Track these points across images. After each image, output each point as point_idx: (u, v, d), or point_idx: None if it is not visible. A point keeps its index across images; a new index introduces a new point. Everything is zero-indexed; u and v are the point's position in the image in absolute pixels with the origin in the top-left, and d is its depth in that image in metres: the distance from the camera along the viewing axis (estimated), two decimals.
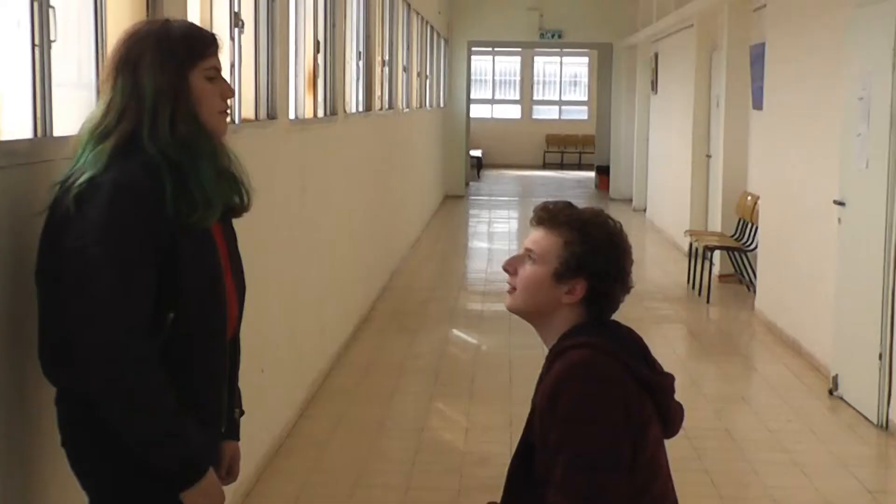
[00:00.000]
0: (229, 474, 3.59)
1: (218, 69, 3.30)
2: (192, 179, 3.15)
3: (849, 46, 8.91)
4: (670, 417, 3.23)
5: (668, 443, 3.30)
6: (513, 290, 3.27)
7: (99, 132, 3.16)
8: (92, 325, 3.00)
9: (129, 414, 3.03)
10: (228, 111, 3.35)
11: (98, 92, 4.42)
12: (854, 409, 8.50)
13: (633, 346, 3.22)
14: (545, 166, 37.47)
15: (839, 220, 8.96)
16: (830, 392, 8.92)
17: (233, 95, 3.35)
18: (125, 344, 3.00)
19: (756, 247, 12.65)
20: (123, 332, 3.00)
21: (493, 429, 7.74)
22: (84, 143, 3.18)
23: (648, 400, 3.12)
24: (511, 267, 3.28)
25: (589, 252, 3.17)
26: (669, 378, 3.26)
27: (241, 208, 3.40)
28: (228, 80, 3.38)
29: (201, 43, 3.27)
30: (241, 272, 3.49)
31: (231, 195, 3.32)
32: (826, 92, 9.78)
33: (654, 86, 21.17)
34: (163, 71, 3.17)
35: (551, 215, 3.24)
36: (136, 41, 3.20)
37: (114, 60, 3.21)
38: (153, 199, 3.07)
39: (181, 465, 3.08)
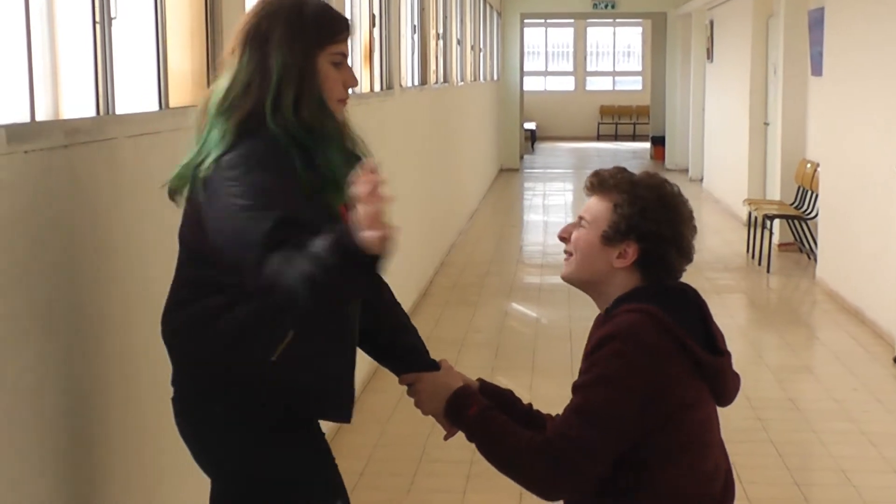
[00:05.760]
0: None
1: (345, 55, 3.22)
2: (319, 162, 3.09)
3: None
4: (726, 394, 3.17)
5: (731, 415, 3.27)
6: (569, 257, 3.22)
7: (224, 107, 3.10)
8: (257, 229, 2.85)
9: (320, 278, 2.75)
10: (347, 100, 3.26)
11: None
12: None
13: (694, 320, 3.12)
14: (599, 138, 37.30)
15: None
16: (895, 360, 8.83)
17: (356, 84, 3.26)
18: (284, 233, 2.83)
19: (816, 215, 12.53)
20: (281, 221, 2.85)
21: (557, 402, 7.64)
22: (211, 118, 3.12)
23: (699, 382, 3.05)
24: (566, 233, 3.23)
25: (637, 213, 3.09)
26: (727, 358, 3.15)
27: None
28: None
29: (333, 26, 3.20)
30: None
31: None
32: (889, 56, 9.63)
33: (709, 54, 20.99)
34: (291, 50, 3.10)
35: (601, 180, 3.17)
36: (266, 15, 3.14)
37: (243, 33, 3.15)
38: (286, 167, 3.02)
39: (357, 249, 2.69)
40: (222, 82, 3.15)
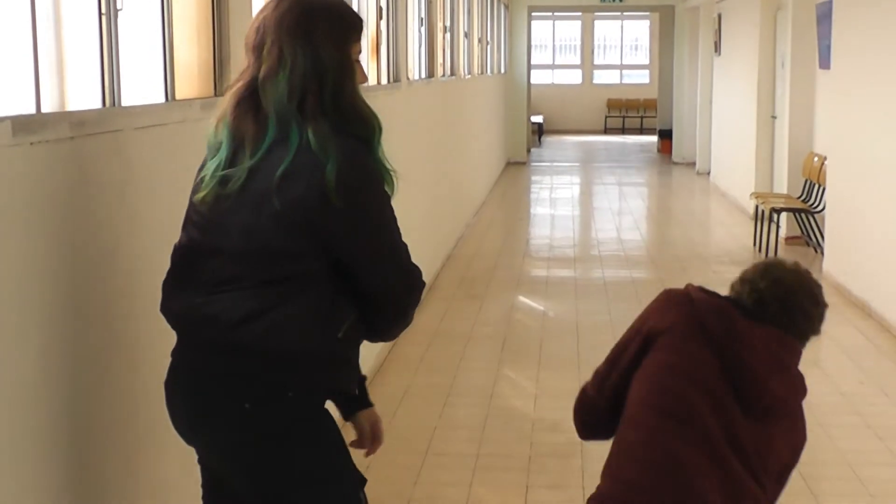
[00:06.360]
0: (375, 440, 3.78)
1: (360, 53, 3.27)
2: (380, 154, 3.24)
3: None
4: (745, 368, 3.52)
5: None
6: None
7: (295, 109, 3.10)
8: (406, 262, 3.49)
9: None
10: None
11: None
12: None
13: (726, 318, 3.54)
14: (606, 131, 37.26)
15: None
16: None
17: (366, 81, 3.30)
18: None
19: (823, 208, 12.51)
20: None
21: (563, 395, 7.61)
22: (276, 116, 3.10)
23: (709, 354, 3.46)
24: None
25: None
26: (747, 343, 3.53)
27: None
28: None
29: (357, 24, 3.25)
30: None
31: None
32: None
33: (717, 47, 20.97)
34: (336, 45, 3.14)
35: None
36: (303, 12, 3.13)
37: (282, 30, 3.13)
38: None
39: None
40: (279, 83, 3.11)
